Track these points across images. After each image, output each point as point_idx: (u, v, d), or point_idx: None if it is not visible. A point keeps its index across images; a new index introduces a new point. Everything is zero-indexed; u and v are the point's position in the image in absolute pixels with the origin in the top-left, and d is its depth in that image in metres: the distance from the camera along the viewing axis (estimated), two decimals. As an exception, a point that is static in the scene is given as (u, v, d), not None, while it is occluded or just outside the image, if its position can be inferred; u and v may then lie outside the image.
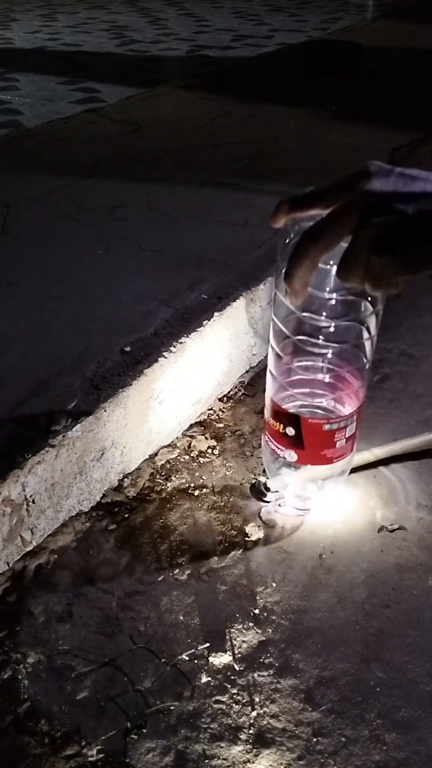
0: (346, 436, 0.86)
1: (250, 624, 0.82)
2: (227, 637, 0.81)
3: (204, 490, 1.01)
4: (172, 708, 0.74)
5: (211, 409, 1.16)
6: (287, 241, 0.71)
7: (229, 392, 1.20)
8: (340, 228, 0.57)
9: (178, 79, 2.86)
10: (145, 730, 0.72)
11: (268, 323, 0.98)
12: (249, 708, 0.74)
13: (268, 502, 0.97)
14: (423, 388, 1.23)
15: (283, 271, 0.63)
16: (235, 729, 0.72)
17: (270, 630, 0.81)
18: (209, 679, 0.77)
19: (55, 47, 4.16)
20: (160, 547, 0.92)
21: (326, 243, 0.58)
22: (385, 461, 1.05)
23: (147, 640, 0.80)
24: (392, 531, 0.93)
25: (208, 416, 1.15)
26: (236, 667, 0.78)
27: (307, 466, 0.88)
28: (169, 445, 1.08)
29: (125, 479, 1.01)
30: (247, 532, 0.94)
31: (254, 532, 0.94)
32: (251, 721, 0.73)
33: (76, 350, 1.06)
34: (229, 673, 0.77)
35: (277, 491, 0.97)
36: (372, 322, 0.78)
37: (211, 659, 0.78)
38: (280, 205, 0.64)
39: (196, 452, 1.08)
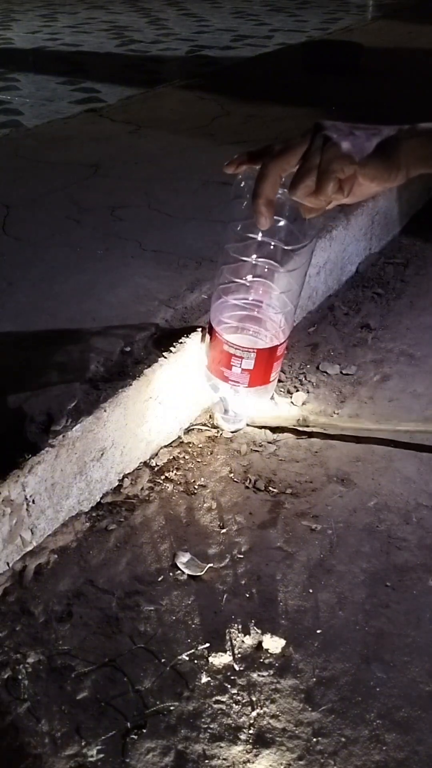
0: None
1: (250, 624, 0.82)
2: (227, 637, 0.81)
3: (204, 489, 1.01)
4: (171, 708, 0.74)
5: (211, 409, 1.16)
6: (242, 185, 0.80)
7: (229, 392, 1.20)
8: (298, 143, 0.67)
9: (178, 79, 2.86)
10: (144, 731, 0.72)
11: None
12: (249, 708, 0.74)
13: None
14: (423, 388, 1.23)
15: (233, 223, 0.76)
16: (235, 729, 0.72)
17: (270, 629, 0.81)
18: (209, 679, 0.77)
19: (55, 47, 4.16)
20: (160, 547, 0.92)
21: (286, 158, 0.68)
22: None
23: (147, 640, 0.80)
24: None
25: (208, 416, 1.15)
26: (236, 667, 0.78)
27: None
28: (169, 445, 1.08)
29: (125, 479, 1.01)
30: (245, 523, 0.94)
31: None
32: (251, 721, 0.73)
33: (76, 350, 1.06)
34: (229, 673, 0.77)
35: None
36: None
37: (210, 659, 0.78)
38: (236, 156, 0.73)
39: (197, 452, 1.08)
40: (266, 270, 0.91)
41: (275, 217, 0.75)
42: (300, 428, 1.13)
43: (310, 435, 1.12)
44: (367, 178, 0.67)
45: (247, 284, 0.94)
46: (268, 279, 0.92)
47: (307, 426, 1.13)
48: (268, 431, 1.12)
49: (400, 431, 1.11)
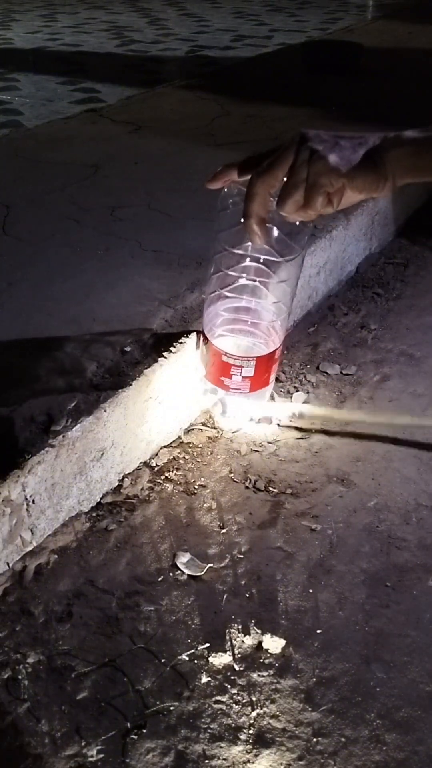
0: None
1: (250, 624, 0.82)
2: (227, 637, 0.81)
3: (204, 489, 1.01)
4: (171, 708, 0.74)
5: (211, 408, 1.16)
6: (229, 200, 0.82)
7: (229, 392, 1.20)
8: (283, 158, 0.67)
9: (178, 79, 2.86)
10: (144, 731, 0.72)
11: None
12: (249, 708, 0.74)
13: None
14: (423, 388, 1.23)
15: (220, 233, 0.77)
16: (235, 729, 0.72)
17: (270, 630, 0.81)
18: (209, 679, 0.77)
19: (55, 47, 4.16)
20: (160, 547, 0.92)
21: (273, 173, 0.67)
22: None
23: (147, 640, 0.80)
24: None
25: (208, 416, 1.15)
26: (236, 667, 0.78)
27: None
28: (169, 445, 1.08)
29: (125, 479, 1.01)
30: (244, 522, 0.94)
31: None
32: (251, 722, 0.73)
33: (76, 350, 1.06)
34: (229, 673, 0.77)
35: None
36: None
37: (210, 659, 0.78)
38: (220, 169, 0.73)
39: (197, 452, 1.08)
40: (258, 277, 0.92)
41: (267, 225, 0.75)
42: (302, 427, 1.13)
43: (322, 432, 1.12)
44: (355, 190, 0.67)
45: (240, 292, 0.95)
46: (260, 285, 0.93)
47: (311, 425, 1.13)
48: (267, 432, 1.12)
49: (400, 425, 1.12)
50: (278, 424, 1.14)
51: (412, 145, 0.65)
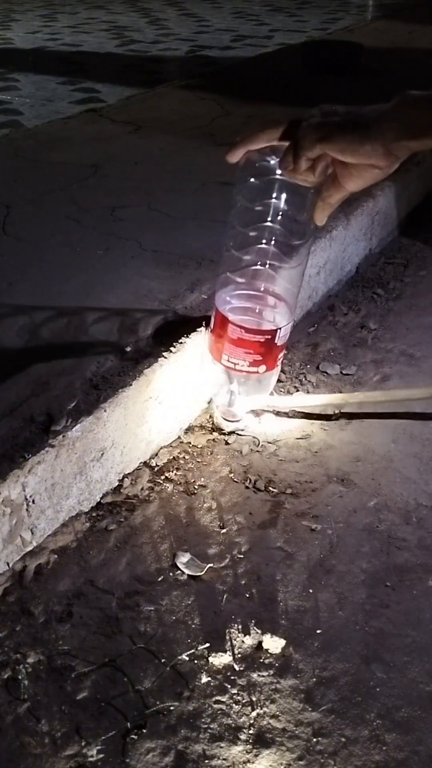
0: None
1: (250, 624, 0.82)
2: (227, 637, 0.81)
3: (204, 489, 1.01)
4: (171, 708, 0.74)
5: (211, 409, 1.16)
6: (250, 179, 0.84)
7: (229, 392, 1.20)
8: (289, 125, 0.71)
9: (178, 79, 2.86)
10: (144, 731, 0.72)
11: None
12: (249, 708, 0.74)
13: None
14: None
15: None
16: (235, 729, 0.72)
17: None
18: (209, 679, 0.77)
19: (55, 47, 4.16)
20: (160, 547, 0.92)
21: (273, 129, 0.72)
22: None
23: (147, 640, 0.80)
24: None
25: (208, 416, 1.14)
26: (236, 667, 0.78)
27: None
28: (169, 445, 1.08)
29: (125, 479, 1.01)
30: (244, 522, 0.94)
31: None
32: (251, 722, 0.73)
33: (76, 350, 1.06)
34: (229, 673, 0.77)
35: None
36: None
37: (210, 659, 0.78)
38: (236, 142, 0.75)
39: (197, 452, 1.08)
40: (275, 255, 0.93)
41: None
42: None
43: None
44: (336, 152, 0.68)
45: (256, 272, 0.95)
46: (276, 265, 0.94)
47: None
48: (267, 432, 1.12)
49: (406, 400, 1.15)
50: (287, 414, 1.14)
51: (411, 104, 0.63)
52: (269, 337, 0.95)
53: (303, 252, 0.92)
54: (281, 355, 1.00)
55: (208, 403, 1.15)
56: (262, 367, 0.98)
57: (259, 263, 0.94)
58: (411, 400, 1.15)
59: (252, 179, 0.85)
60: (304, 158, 0.70)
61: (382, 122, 0.64)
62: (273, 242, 0.91)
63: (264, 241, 0.91)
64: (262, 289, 0.97)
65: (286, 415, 1.16)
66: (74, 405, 0.93)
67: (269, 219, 0.89)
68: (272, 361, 0.98)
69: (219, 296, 0.99)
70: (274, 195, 0.86)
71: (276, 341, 0.96)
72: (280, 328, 0.95)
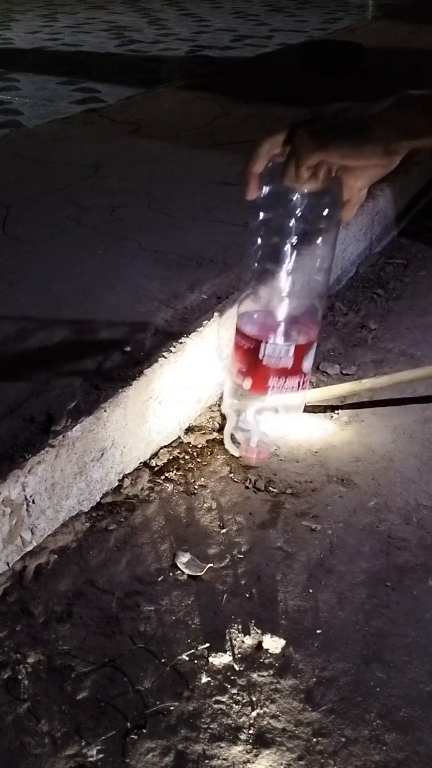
0: None
1: (250, 624, 0.82)
2: (227, 637, 0.81)
3: (204, 489, 1.01)
4: (171, 708, 0.74)
5: (211, 408, 1.16)
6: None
7: (229, 392, 1.20)
8: (288, 131, 0.71)
9: (178, 79, 2.86)
10: (144, 731, 0.72)
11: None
12: (249, 708, 0.74)
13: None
14: (423, 388, 1.23)
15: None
16: (235, 729, 0.72)
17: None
18: (209, 679, 0.77)
19: (55, 47, 4.16)
20: (160, 547, 0.92)
21: (272, 140, 0.72)
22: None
23: (147, 640, 0.80)
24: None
25: (208, 416, 1.15)
26: (236, 667, 0.78)
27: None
28: (169, 445, 1.08)
29: (125, 479, 1.01)
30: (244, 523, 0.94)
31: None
32: (251, 721, 0.73)
33: (76, 350, 1.06)
34: (229, 673, 0.77)
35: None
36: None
37: (210, 659, 0.78)
38: (242, 176, 0.76)
39: (197, 452, 1.08)
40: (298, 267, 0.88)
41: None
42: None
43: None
44: (336, 157, 0.67)
45: (282, 291, 0.89)
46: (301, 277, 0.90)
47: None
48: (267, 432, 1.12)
49: (412, 381, 1.16)
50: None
51: (410, 103, 0.62)
52: (251, 346, 0.89)
53: (328, 248, 0.87)
54: (278, 382, 0.91)
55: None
56: (247, 382, 0.91)
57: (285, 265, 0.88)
58: (415, 381, 1.16)
59: (266, 214, 0.83)
60: (304, 168, 0.69)
61: (381, 123, 0.63)
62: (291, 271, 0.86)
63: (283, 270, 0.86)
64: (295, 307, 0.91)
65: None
66: (74, 405, 0.93)
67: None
68: (259, 380, 0.90)
69: (245, 320, 0.92)
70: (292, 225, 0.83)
71: (259, 356, 0.89)
72: (265, 343, 0.88)
